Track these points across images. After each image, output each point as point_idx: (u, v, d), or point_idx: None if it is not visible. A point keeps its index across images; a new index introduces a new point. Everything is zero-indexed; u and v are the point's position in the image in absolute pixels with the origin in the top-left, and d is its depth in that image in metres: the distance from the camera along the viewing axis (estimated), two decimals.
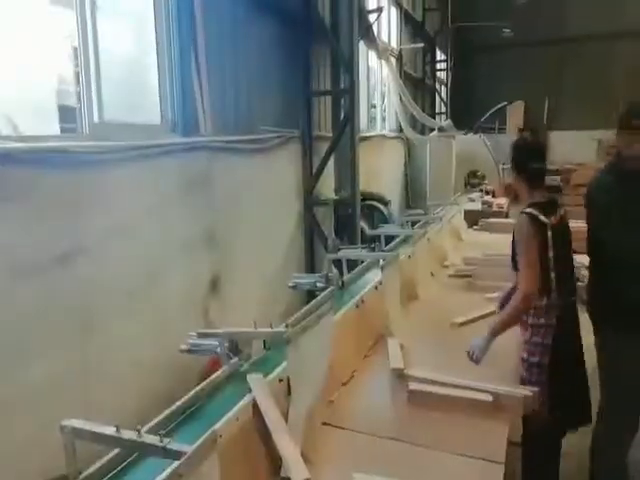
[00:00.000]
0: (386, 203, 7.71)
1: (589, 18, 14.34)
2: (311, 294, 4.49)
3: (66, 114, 3.68)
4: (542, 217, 2.56)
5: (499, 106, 14.52)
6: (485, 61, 16.21)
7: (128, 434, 1.45)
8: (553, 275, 2.57)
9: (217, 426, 1.62)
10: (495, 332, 2.55)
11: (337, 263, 3.82)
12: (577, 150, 12.74)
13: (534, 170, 2.72)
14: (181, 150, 4.09)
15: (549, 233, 2.56)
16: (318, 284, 3.20)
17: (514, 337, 2.76)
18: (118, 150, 3.48)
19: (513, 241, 2.69)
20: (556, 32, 15.03)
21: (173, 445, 1.37)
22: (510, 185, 3.23)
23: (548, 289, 2.57)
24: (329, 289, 2.99)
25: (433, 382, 2.36)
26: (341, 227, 6.48)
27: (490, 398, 2.22)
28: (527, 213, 2.59)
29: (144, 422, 1.62)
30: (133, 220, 3.64)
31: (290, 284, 3.29)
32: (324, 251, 6.21)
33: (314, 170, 6.19)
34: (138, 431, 1.44)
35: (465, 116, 14.40)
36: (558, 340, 2.58)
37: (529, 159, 2.76)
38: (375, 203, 7.51)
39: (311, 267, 6.32)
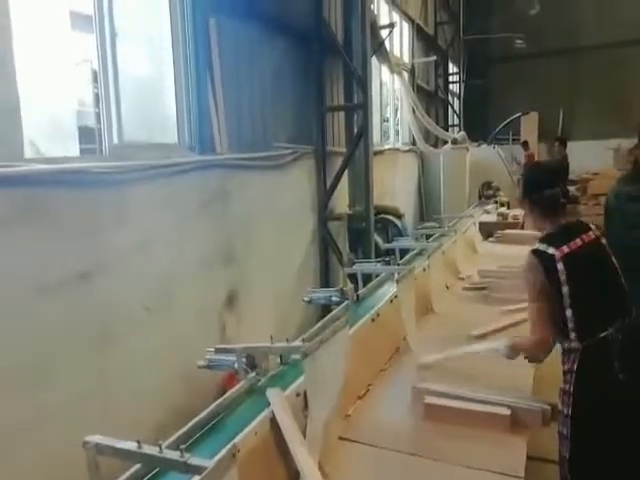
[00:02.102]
0: (400, 216, 7.71)
1: (601, 27, 14.33)
2: (326, 308, 4.52)
3: (85, 135, 3.78)
4: (550, 249, 2.23)
5: (513, 117, 14.49)
6: (498, 72, 16.26)
7: (149, 449, 1.48)
8: (570, 314, 2.19)
9: (236, 440, 1.65)
10: (515, 349, 2.38)
11: (352, 277, 3.84)
12: (593, 159, 12.64)
13: (543, 198, 2.39)
14: (198, 168, 4.16)
15: (559, 266, 2.19)
16: (333, 298, 3.21)
17: None
18: (137, 169, 3.56)
19: None
20: (569, 42, 15.05)
21: (194, 460, 1.40)
22: None
23: (565, 331, 2.23)
24: (344, 303, 3.01)
25: (450, 396, 2.36)
26: (355, 241, 6.51)
27: (508, 412, 2.21)
28: (534, 250, 2.29)
29: (162, 437, 1.65)
30: (151, 237, 3.71)
31: (305, 298, 3.31)
32: (338, 265, 6.24)
33: (328, 185, 6.24)
34: (159, 446, 1.47)
35: (479, 128, 14.41)
36: (580, 388, 2.21)
37: (537, 187, 2.43)
38: (389, 217, 7.51)
39: (326, 281, 6.35)
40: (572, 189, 11.27)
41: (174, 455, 1.43)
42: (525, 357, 2.39)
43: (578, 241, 2.27)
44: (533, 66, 15.39)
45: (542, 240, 2.31)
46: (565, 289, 2.18)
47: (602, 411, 2.17)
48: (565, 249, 2.23)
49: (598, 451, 2.18)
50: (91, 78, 4.05)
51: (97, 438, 1.54)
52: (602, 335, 2.19)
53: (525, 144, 12.71)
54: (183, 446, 1.49)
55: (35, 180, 2.85)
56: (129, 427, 3.13)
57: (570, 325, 2.20)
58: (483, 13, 15.63)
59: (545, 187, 2.40)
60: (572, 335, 2.21)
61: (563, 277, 2.18)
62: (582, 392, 2.21)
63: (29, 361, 2.85)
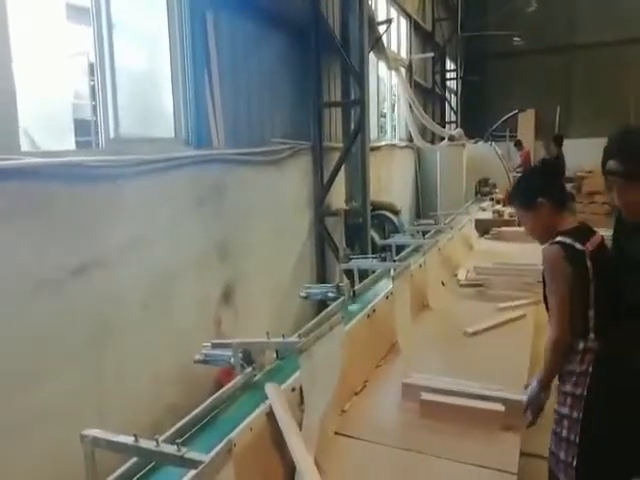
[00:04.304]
0: (396, 212, 7.72)
1: (600, 25, 14.34)
2: (322, 304, 4.53)
3: (81, 127, 3.77)
4: (578, 245, 2.13)
5: (510, 114, 14.50)
6: (495, 69, 16.25)
7: (146, 443, 1.49)
8: (592, 313, 2.11)
9: (232, 435, 1.66)
10: (543, 382, 2.23)
11: (348, 273, 3.86)
12: (589, 158, 12.64)
13: (559, 191, 2.34)
14: (195, 163, 4.16)
15: (588, 263, 2.11)
16: (329, 294, 3.23)
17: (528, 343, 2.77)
18: (134, 164, 3.55)
19: (544, 278, 2.27)
20: (566, 39, 15.05)
21: (190, 454, 1.41)
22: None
23: (585, 330, 2.13)
24: (340, 299, 3.02)
25: (445, 392, 2.38)
26: (352, 237, 6.52)
27: (502, 408, 2.23)
28: (559, 242, 2.16)
29: (156, 432, 1.65)
30: (148, 233, 3.71)
31: (302, 294, 3.33)
32: (335, 261, 6.25)
33: (325, 181, 6.24)
34: (156, 440, 1.48)
35: (476, 125, 14.41)
36: (595, 392, 2.10)
37: (552, 181, 2.39)
38: (385, 213, 7.53)
39: (322, 277, 6.35)
40: (568, 187, 11.33)
41: (171, 449, 1.44)
42: (550, 371, 2.24)
43: (595, 239, 2.20)
44: (530, 63, 15.39)
45: (564, 234, 2.18)
46: (592, 287, 2.11)
47: (618, 415, 2.04)
48: (589, 246, 2.15)
49: (612, 458, 2.06)
50: (87, 71, 4.04)
51: (94, 432, 1.55)
52: (620, 335, 2.10)
53: (518, 143, 12.65)
54: (179, 440, 1.50)
55: (31, 173, 2.84)
56: (124, 423, 3.14)
57: (590, 324, 2.12)
58: (481, 10, 15.63)
59: (557, 183, 2.42)
60: (591, 335, 2.12)
61: (591, 275, 2.11)
62: (598, 396, 2.09)
63: (23, 359, 2.84)
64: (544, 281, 2.26)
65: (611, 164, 1.96)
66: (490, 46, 15.83)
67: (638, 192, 1.93)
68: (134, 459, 1.57)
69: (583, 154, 13.35)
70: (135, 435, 1.51)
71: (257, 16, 5.04)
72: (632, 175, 1.92)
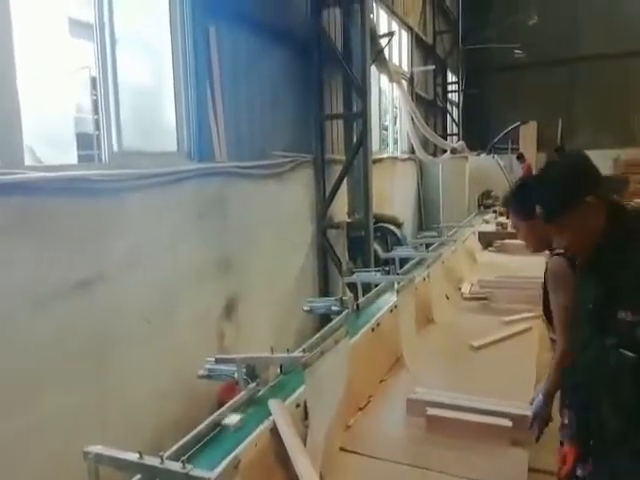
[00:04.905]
0: (399, 225, 7.71)
1: (601, 37, 14.40)
2: (324, 318, 4.51)
3: (82, 141, 3.77)
4: None
5: (512, 127, 14.51)
6: (497, 82, 16.31)
7: (151, 460, 1.47)
8: None
9: (237, 451, 1.64)
10: (549, 394, 2.17)
11: (351, 286, 3.83)
12: None
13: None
14: (197, 176, 4.16)
15: None
16: (333, 307, 3.20)
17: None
18: (137, 177, 3.55)
19: (545, 291, 2.21)
20: (568, 51, 15.11)
21: (195, 472, 1.39)
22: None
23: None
24: (344, 312, 3.00)
25: (451, 407, 2.35)
26: (354, 250, 6.50)
27: (510, 423, 2.20)
28: (562, 254, 2.08)
29: (157, 447, 1.63)
30: (150, 246, 3.70)
31: (305, 308, 3.30)
32: (337, 274, 6.23)
33: (327, 193, 6.24)
34: (161, 457, 1.46)
35: (478, 137, 14.44)
36: None
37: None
38: (388, 225, 7.52)
39: (324, 290, 6.33)
40: None
41: (176, 466, 1.43)
42: (557, 382, 2.13)
43: None
44: (532, 76, 15.45)
45: None
46: None
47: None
48: None
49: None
50: (89, 85, 4.05)
51: (98, 448, 1.54)
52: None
53: (521, 157, 12.64)
54: (184, 457, 1.48)
55: (35, 188, 2.84)
56: (125, 436, 3.10)
57: None
58: (482, 23, 15.71)
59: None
60: None
61: None
62: None
63: (26, 372, 2.82)
64: (545, 292, 2.21)
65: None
66: (491, 59, 15.91)
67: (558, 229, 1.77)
68: (138, 476, 1.55)
69: None
70: (139, 452, 1.49)
71: (259, 30, 5.07)
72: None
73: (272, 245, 5.22)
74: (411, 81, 11.21)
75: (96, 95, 3.64)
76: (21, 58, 2.95)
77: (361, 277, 3.90)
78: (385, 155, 9.53)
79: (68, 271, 3.07)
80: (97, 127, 3.67)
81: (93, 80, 3.76)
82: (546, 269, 2.19)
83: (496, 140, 13.85)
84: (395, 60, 10.34)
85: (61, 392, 2.99)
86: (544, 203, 1.78)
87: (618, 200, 1.74)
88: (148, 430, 3.45)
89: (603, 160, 12.78)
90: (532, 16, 14.21)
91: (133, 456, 1.49)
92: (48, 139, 3.47)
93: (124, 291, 3.46)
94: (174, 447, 1.69)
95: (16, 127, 2.84)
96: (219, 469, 1.38)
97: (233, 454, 1.53)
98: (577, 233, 1.75)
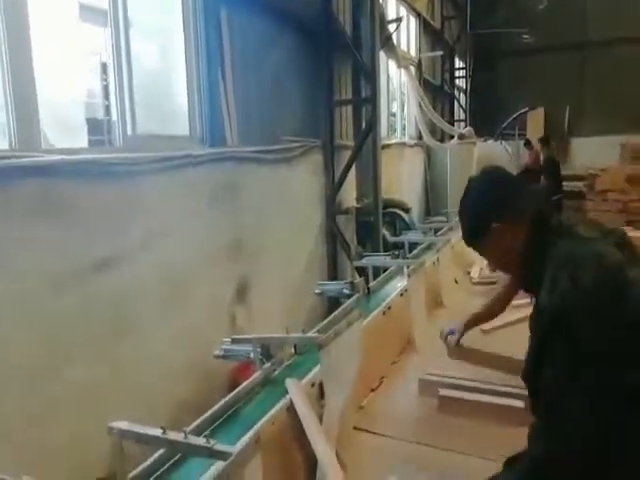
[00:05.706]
0: (407, 210, 7.72)
1: (610, 22, 14.22)
2: (333, 302, 4.55)
3: (92, 126, 3.80)
4: None
5: (520, 112, 14.44)
6: (505, 67, 16.16)
7: (174, 435, 1.51)
8: None
9: (256, 428, 1.68)
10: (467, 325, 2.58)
11: (360, 270, 3.86)
12: (600, 156, 12.59)
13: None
14: (210, 160, 4.18)
15: None
16: (344, 291, 3.24)
17: None
18: (152, 161, 3.58)
19: None
20: (577, 37, 14.93)
21: (219, 446, 1.43)
22: None
23: None
24: (355, 296, 3.03)
25: (463, 388, 2.39)
26: (363, 235, 6.53)
27: (522, 404, 2.23)
28: None
29: (173, 425, 1.66)
30: (164, 229, 3.74)
31: (316, 291, 3.33)
32: (346, 258, 6.26)
33: (336, 178, 6.25)
34: (184, 432, 1.50)
35: (485, 123, 14.35)
36: None
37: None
38: (396, 210, 7.52)
39: (333, 274, 6.37)
40: (580, 185, 11.28)
41: (199, 441, 1.46)
42: None
43: None
44: (540, 61, 15.28)
45: None
46: None
47: None
48: None
49: None
50: (99, 70, 4.07)
51: (122, 424, 1.58)
52: None
53: (528, 143, 12.57)
54: (207, 432, 1.52)
55: (52, 171, 2.87)
56: (140, 413, 3.16)
57: None
58: (490, 7, 15.53)
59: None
60: None
61: None
62: None
63: (44, 352, 2.88)
64: None
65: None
66: (499, 44, 15.75)
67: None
68: (160, 451, 1.59)
69: (594, 152, 13.32)
70: (163, 427, 1.53)
71: (269, 14, 5.06)
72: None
73: (282, 229, 5.26)
74: (419, 67, 11.14)
75: (106, 80, 3.66)
76: (34, 43, 2.96)
77: (371, 261, 3.93)
78: (393, 141, 9.50)
79: (85, 253, 3.12)
80: (107, 112, 3.70)
81: (103, 65, 3.78)
82: None
83: (504, 126, 13.78)
84: (403, 46, 10.27)
85: (83, 367, 3.05)
86: (462, 230, 1.84)
87: (546, 212, 1.67)
88: (160, 407, 3.51)
89: (611, 146, 12.78)
90: (542, 0, 14.04)
91: (157, 431, 1.53)
92: (60, 124, 3.50)
93: (139, 273, 3.51)
94: (194, 423, 1.73)
95: (33, 110, 2.86)
96: (242, 443, 1.42)
97: (254, 429, 1.57)
98: (493, 255, 1.81)
